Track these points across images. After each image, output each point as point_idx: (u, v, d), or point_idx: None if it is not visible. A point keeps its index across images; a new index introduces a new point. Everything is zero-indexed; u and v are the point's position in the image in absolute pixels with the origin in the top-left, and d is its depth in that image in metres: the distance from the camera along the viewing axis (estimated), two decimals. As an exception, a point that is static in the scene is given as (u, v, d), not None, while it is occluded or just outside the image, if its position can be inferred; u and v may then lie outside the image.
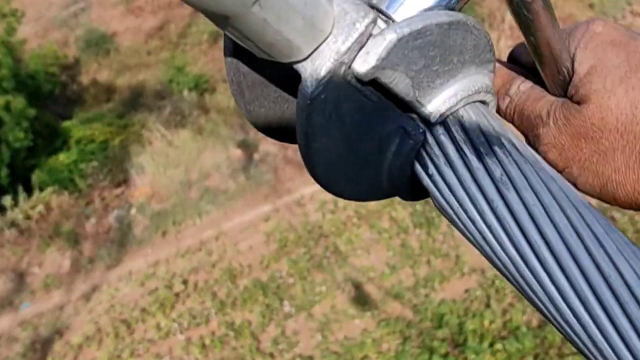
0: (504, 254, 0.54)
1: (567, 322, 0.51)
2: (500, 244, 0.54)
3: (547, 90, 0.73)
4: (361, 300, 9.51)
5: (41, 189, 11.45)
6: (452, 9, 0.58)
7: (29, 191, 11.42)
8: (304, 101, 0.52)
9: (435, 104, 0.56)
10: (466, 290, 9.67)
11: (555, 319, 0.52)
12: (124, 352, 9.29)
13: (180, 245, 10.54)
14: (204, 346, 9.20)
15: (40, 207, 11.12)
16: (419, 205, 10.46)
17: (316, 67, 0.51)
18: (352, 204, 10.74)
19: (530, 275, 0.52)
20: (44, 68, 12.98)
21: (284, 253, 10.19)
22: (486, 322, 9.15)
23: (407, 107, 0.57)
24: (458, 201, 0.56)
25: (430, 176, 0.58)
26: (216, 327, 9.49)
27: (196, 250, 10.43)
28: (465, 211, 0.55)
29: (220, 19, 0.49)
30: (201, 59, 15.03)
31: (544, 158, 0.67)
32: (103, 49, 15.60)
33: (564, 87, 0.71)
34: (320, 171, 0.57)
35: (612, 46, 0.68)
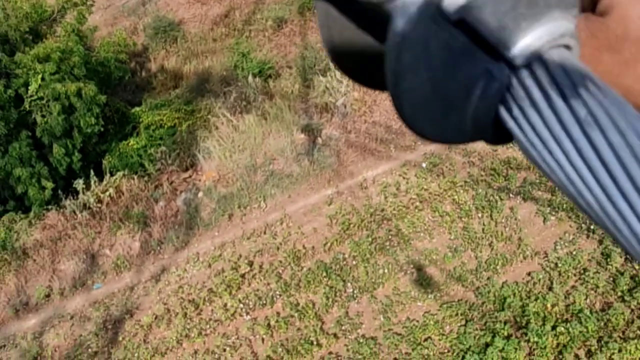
0: (589, 195, 0.53)
1: None
2: (587, 185, 0.53)
3: None
4: (423, 282, 9.56)
5: (112, 173, 11.73)
6: None
7: (100, 175, 11.71)
8: (394, 39, 0.53)
9: (521, 47, 0.56)
10: (529, 273, 9.66)
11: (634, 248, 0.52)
12: (192, 332, 9.50)
13: (245, 228, 10.70)
14: (269, 326, 9.38)
15: (111, 191, 11.40)
16: (481, 189, 10.44)
17: (407, 5, 0.52)
18: (414, 187, 10.77)
19: (617, 216, 0.51)
20: (114, 55, 13.23)
21: (347, 235, 10.28)
22: (549, 305, 9.12)
23: (492, 50, 0.57)
24: (543, 142, 0.55)
25: (514, 119, 0.57)
26: (281, 308, 9.66)
27: (261, 233, 10.58)
28: (550, 152, 0.55)
29: None
30: (265, 45, 15.17)
31: None
32: (170, 36, 15.87)
33: (593, 4, 0.69)
34: (407, 111, 0.57)
35: None
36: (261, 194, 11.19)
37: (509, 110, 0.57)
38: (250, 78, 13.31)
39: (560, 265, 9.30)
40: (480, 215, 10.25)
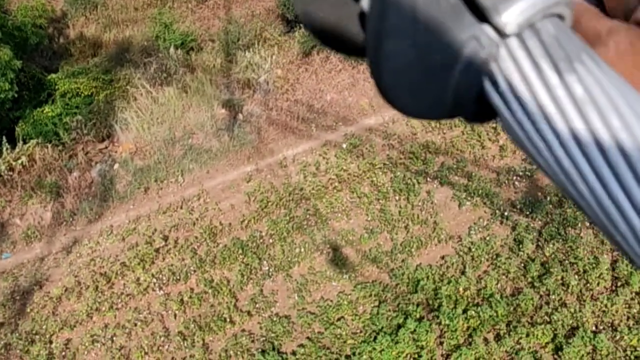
0: (582, 183, 0.49)
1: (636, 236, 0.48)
2: (580, 172, 0.49)
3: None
4: (339, 263, 9.61)
5: (25, 141, 11.42)
6: None
7: (12, 143, 11.39)
8: None
9: (512, 13, 0.51)
10: (442, 257, 9.79)
11: (626, 239, 0.49)
12: (102, 305, 9.35)
13: (162, 202, 10.58)
14: (182, 302, 9.29)
15: (24, 159, 11.10)
16: (399, 171, 10.55)
17: None
18: (334, 168, 10.81)
19: (614, 208, 0.48)
20: (31, 20, 12.88)
21: (265, 213, 10.25)
22: (461, 289, 9.28)
23: (482, 16, 0.53)
24: (532, 122, 0.51)
25: (501, 94, 0.53)
26: (195, 284, 9.57)
27: (178, 208, 10.47)
28: (540, 133, 0.51)
29: None
30: (189, 17, 14.96)
31: None
32: (91, 3, 15.49)
33: (626, 14, 0.66)
34: (387, 78, 0.54)
35: None
36: (179, 168, 11.07)
37: (495, 84, 0.53)
38: (171, 50, 13.10)
39: (473, 250, 9.47)
40: (397, 197, 10.35)
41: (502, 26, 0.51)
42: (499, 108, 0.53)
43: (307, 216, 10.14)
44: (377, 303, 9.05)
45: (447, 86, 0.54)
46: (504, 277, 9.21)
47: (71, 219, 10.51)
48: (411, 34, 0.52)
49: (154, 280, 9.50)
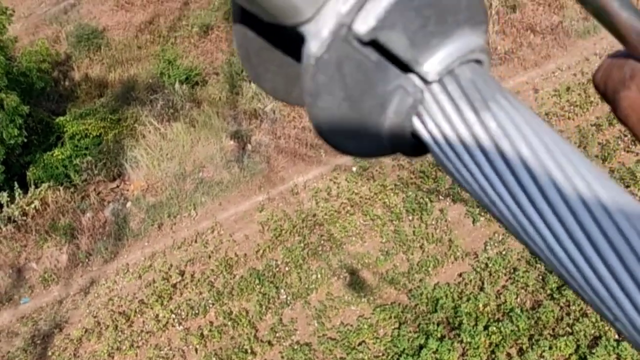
0: (502, 204, 0.55)
1: (560, 262, 0.53)
2: (499, 194, 0.55)
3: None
4: (357, 286, 9.58)
5: (37, 185, 11.49)
6: None
7: (24, 187, 11.46)
8: (308, 61, 0.54)
9: (432, 63, 0.58)
10: (460, 274, 9.75)
11: (550, 260, 0.54)
12: (123, 344, 9.34)
13: (176, 237, 10.60)
14: (202, 336, 9.26)
15: (36, 203, 11.17)
16: (411, 191, 10.53)
17: (319, 28, 0.54)
18: (345, 192, 10.80)
19: (527, 222, 0.54)
20: (36, 65, 12.97)
21: (279, 242, 10.24)
22: (480, 305, 9.23)
23: (405, 67, 0.59)
24: (456, 154, 0.57)
25: (429, 132, 0.59)
26: (214, 317, 9.56)
27: (192, 242, 10.48)
28: (464, 164, 0.57)
29: None
30: (192, 52, 15.04)
31: (623, 123, 0.64)
32: (94, 45, 15.62)
33: None
34: (325, 128, 0.59)
35: None
36: (191, 202, 11.09)
37: (424, 124, 0.60)
38: (177, 85, 13.18)
39: (490, 265, 9.42)
40: (410, 217, 10.32)
41: (425, 75, 0.58)
42: (428, 144, 0.60)
43: (322, 242, 10.13)
44: (397, 325, 9.01)
45: (382, 129, 0.61)
46: (523, 290, 9.16)
47: (87, 260, 10.54)
48: (342, 91, 0.57)
49: (173, 315, 9.49)
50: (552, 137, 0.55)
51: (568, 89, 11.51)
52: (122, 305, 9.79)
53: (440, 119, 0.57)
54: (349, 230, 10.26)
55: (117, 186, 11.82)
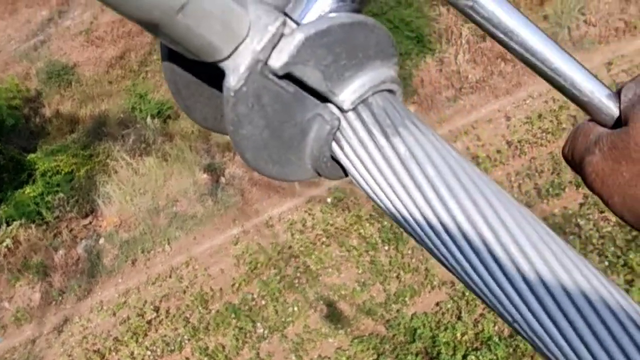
0: (412, 219, 0.61)
1: (465, 271, 0.59)
2: (409, 211, 0.61)
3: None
4: (334, 318, 9.54)
5: (8, 223, 11.36)
6: (357, 11, 0.65)
7: (-5, 226, 11.34)
8: (228, 93, 0.58)
9: (347, 94, 0.63)
10: (437, 304, 9.72)
11: (456, 270, 0.60)
12: (98, 383, 9.25)
13: (150, 273, 10.50)
14: (178, 373, 9.19)
15: (8, 241, 11.03)
16: (386, 221, 10.51)
17: (237, 64, 0.58)
18: (320, 223, 10.78)
19: (435, 236, 0.59)
20: (6, 102, 12.91)
21: (255, 275, 10.18)
22: (458, 334, 9.21)
23: (322, 97, 0.64)
24: (371, 175, 0.63)
25: (346, 155, 0.65)
26: (190, 353, 9.44)
27: (167, 277, 10.40)
28: (378, 184, 0.63)
29: (151, 27, 0.56)
30: (163, 86, 14.99)
31: (591, 189, 0.67)
32: (65, 81, 15.54)
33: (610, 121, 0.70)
34: (249, 155, 0.63)
35: None
36: (165, 237, 11.01)
37: (341, 148, 0.66)
38: (148, 119, 13.13)
39: (467, 293, 9.40)
40: (386, 247, 10.31)
41: (340, 104, 0.65)
42: (346, 166, 0.67)
43: (298, 274, 10.08)
44: (375, 356, 8.96)
45: (304, 155, 0.68)
46: (500, 319, 9.13)
47: (60, 298, 10.41)
48: (262, 120, 0.62)
49: (148, 352, 9.38)
50: (457, 159, 0.61)
51: (540, 116, 11.58)
52: (96, 343, 9.66)
53: (355, 143, 0.64)
54: (325, 262, 10.22)
55: (90, 222, 11.70)
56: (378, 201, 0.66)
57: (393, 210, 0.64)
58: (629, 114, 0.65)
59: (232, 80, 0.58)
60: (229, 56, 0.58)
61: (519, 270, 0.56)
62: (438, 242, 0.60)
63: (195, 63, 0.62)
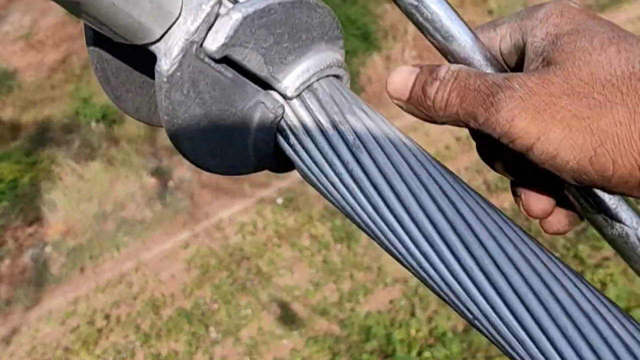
0: (362, 212, 0.59)
1: (420, 265, 0.57)
2: (358, 202, 0.59)
3: None
4: (288, 319, 9.49)
5: (-50, 234, 11.13)
6: None
7: (-63, 237, 11.10)
8: (160, 79, 0.55)
9: (290, 79, 0.61)
10: (391, 301, 9.74)
11: (411, 264, 0.58)
12: (48, 394, 9.10)
13: (99, 280, 10.35)
14: (131, 380, 9.07)
15: (-49, 253, 10.81)
16: (337, 220, 10.51)
17: (169, 47, 0.54)
18: (271, 224, 10.73)
19: (386, 228, 0.57)
20: (-57, 110, 12.65)
21: (207, 279, 10.09)
22: (413, 331, 9.23)
23: (265, 83, 0.61)
24: (318, 166, 0.61)
25: (291, 146, 0.63)
26: (142, 360, 9.36)
27: (116, 284, 10.25)
28: (325, 175, 0.60)
29: (73, 6, 0.51)
30: (108, 90, 14.82)
31: (508, 126, 0.59)
32: (5, 87, 15.25)
33: (500, 69, 0.68)
34: (186, 146, 0.59)
35: (590, 17, 0.63)
36: (113, 243, 10.85)
37: (286, 138, 0.63)
38: (93, 124, 12.94)
39: (420, 290, 9.42)
40: (339, 247, 10.30)
41: (284, 90, 0.62)
42: (292, 158, 0.64)
43: (250, 276, 10.02)
44: (330, 356, 8.94)
45: (246, 146, 0.64)
46: (454, 314, 9.18)
47: (7, 308, 10.21)
48: (200, 107, 0.57)
49: (100, 361, 9.26)
50: (407, 144, 0.59)
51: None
52: (46, 353, 9.48)
53: (301, 133, 0.61)
54: (277, 263, 10.17)
55: (36, 231, 11.50)
56: (327, 194, 0.62)
57: (343, 202, 0.61)
58: (565, 50, 0.61)
59: (165, 64, 0.54)
60: (160, 38, 0.55)
61: (476, 261, 0.53)
62: (391, 236, 0.58)
63: (125, 47, 0.58)
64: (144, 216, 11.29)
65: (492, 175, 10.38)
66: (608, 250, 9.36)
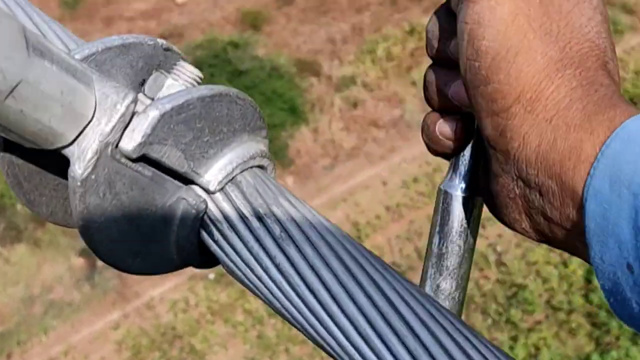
0: (291, 306, 0.56)
1: (350, 356, 0.54)
2: (287, 296, 0.56)
3: None
4: (223, 398, 9.33)
5: None
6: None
7: None
8: (74, 183, 0.52)
9: (213, 173, 0.59)
10: (327, 375, 9.65)
11: (340, 356, 0.56)
12: None
13: (27, 366, 10.07)
14: None
15: None
16: (271, 293, 10.47)
17: (82, 149, 0.52)
18: (204, 300, 10.58)
19: (315, 320, 0.55)
20: None
21: None
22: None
23: (185, 179, 0.58)
24: (244, 262, 0.58)
25: (216, 242, 0.60)
26: None
27: (45, 369, 9.99)
28: (252, 270, 0.58)
29: None
30: (33, 170, 14.70)
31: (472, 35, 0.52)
32: None
33: None
34: (103, 250, 0.57)
35: None
36: (41, 326, 10.56)
37: (210, 234, 0.60)
38: (18, 206, 12.73)
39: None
40: (273, 321, 10.18)
41: (206, 185, 0.59)
42: (216, 254, 0.60)
43: (183, 355, 9.83)
44: None
45: (168, 244, 0.60)
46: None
47: None
48: (118, 208, 0.55)
49: None
50: (336, 235, 0.57)
51: (415, 179, 11.81)
52: None
53: (225, 228, 0.59)
54: (211, 340, 10.00)
55: (-41, 317, 11.20)
56: (255, 289, 0.60)
57: (271, 297, 0.58)
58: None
59: (78, 168, 0.52)
60: (73, 141, 0.52)
61: (412, 355, 0.51)
62: (322, 331, 0.56)
63: (38, 152, 0.55)
64: (72, 298, 11.03)
65: (422, 242, 10.43)
66: (540, 314, 9.44)
